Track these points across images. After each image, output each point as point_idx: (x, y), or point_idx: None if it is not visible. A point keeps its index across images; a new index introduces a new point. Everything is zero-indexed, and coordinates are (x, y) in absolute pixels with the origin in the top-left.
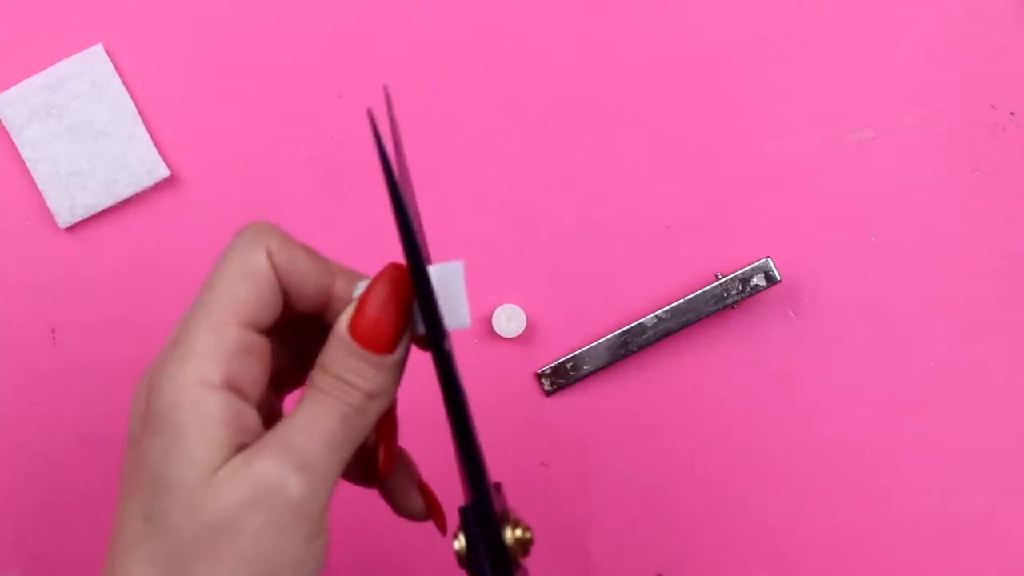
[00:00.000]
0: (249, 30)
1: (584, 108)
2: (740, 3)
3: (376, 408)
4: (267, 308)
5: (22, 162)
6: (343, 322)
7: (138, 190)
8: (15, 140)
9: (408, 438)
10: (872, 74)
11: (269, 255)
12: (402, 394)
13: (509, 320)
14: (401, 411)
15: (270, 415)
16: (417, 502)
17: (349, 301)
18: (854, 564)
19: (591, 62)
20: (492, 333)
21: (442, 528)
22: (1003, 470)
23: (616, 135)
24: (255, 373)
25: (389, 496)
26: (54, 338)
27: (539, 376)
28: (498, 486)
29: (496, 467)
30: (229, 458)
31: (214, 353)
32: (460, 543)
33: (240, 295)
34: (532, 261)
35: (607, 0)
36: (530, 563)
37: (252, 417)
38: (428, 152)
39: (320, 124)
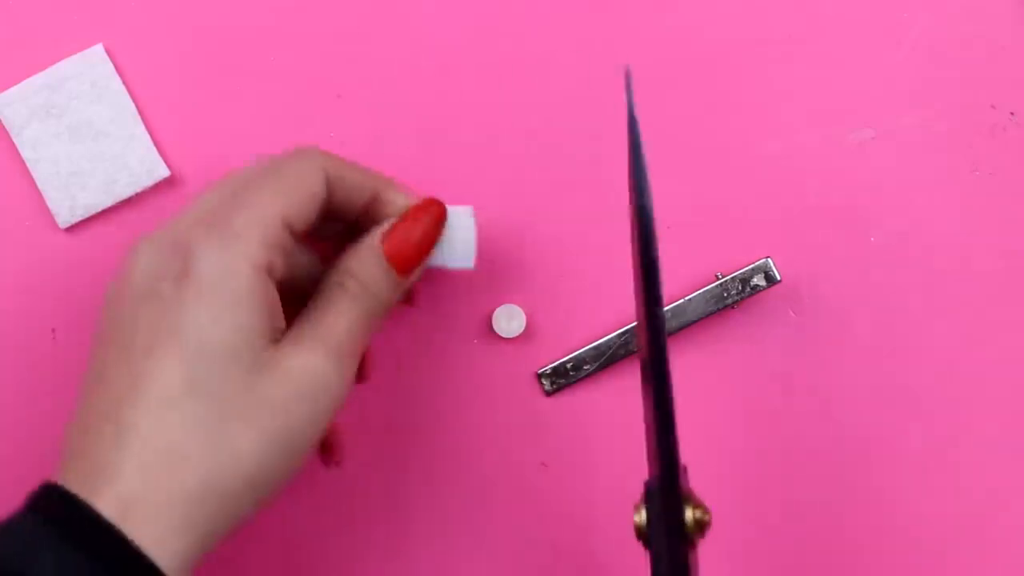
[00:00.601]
0: (249, 30)
1: (584, 108)
2: (740, 3)
3: (383, 318)
4: (307, 220)
5: (22, 162)
6: (377, 235)
7: (138, 190)
8: (15, 140)
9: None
10: (872, 74)
11: (325, 172)
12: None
13: (509, 320)
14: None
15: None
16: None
17: (389, 208)
18: (854, 564)
19: (591, 62)
20: (492, 333)
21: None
22: (1003, 470)
23: (616, 135)
24: (282, 268)
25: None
26: (54, 338)
27: (539, 376)
28: (684, 468)
29: (496, 467)
30: (272, 339)
31: (263, 242)
32: (640, 517)
33: (292, 200)
34: (532, 261)
35: (607, 0)
36: (532, 563)
37: (278, 301)
38: (428, 152)
39: (320, 124)
